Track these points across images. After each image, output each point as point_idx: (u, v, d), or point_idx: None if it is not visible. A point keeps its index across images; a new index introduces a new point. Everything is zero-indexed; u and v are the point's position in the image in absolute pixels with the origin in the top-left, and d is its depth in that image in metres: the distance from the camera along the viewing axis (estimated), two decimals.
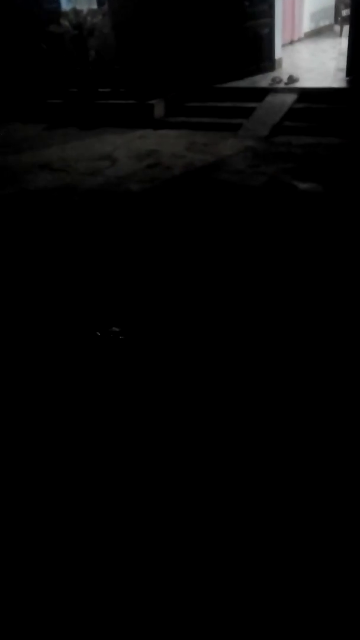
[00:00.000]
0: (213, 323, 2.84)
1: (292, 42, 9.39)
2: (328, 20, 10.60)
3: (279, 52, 7.62)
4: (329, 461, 1.97)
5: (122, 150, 6.23)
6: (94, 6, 7.94)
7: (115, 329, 2.85)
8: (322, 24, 10.52)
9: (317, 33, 10.28)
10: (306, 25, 10.03)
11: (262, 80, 7.10)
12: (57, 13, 8.05)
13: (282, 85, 6.74)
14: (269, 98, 6.55)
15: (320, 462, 1.97)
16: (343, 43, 7.38)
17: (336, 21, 10.08)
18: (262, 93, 6.70)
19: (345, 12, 8.24)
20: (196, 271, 3.39)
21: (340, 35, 9.08)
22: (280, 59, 7.68)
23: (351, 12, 6.38)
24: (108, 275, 3.46)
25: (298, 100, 6.37)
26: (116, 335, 2.80)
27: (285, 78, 6.81)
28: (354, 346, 2.54)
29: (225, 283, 3.22)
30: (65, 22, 7.80)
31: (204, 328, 2.80)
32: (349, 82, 6.44)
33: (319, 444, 2.03)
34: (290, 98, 6.41)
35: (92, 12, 7.81)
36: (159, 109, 7.10)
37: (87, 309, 3.10)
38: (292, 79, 6.73)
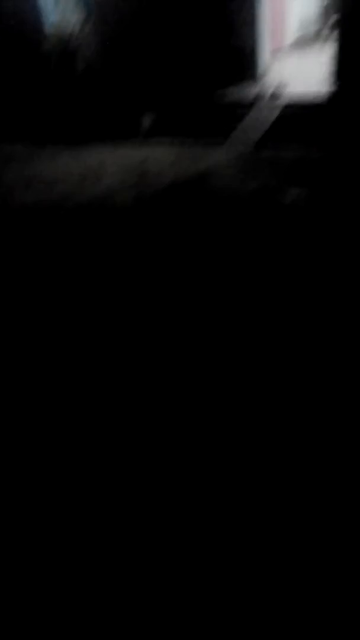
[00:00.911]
0: (202, 334, 2.80)
1: (277, 53, 9.46)
2: (314, 28, 10.69)
3: (265, 62, 7.67)
4: (328, 461, 1.94)
5: (110, 164, 6.23)
6: (80, 22, 8.00)
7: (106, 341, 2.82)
8: (307, 33, 10.60)
9: (302, 42, 10.37)
10: (292, 35, 10.11)
11: (249, 92, 7.13)
12: (43, 31, 8.12)
13: (268, 95, 6.77)
14: (255, 109, 6.58)
15: (320, 462, 1.93)
16: (328, 52, 7.44)
17: (321, 32, 10.18)
18: (248, 105, 6.73)
19: (331, 21, 8.31)
20: (186, 280, 3.36)
21: (325, 45, 9.15)
22: (266, 70, 7.73)
23: (337, 21, 6.42)
24: (97, 288, 3.43)
25: (284, 110, 6.40)
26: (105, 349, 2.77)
27: (271, 89, 6.84)
28: (337, 354, 2.51)
29: (215, 292, 3.19)
30: (51, 40, 7.86)
31: (193, 338, 2.77)
32: (335, 91, 6.47)
33: (317, 445, 1.99)
34: (276, 108, 6.43)
35: (78, 29, 7.87)
36: (146, 123, 7.13)
37: (77, 322, 3.07)
38: (278, 89, 6.76)
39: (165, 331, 2.92)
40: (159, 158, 6.19)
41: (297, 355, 2.58)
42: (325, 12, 10.01)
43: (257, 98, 6.79)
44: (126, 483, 2.01)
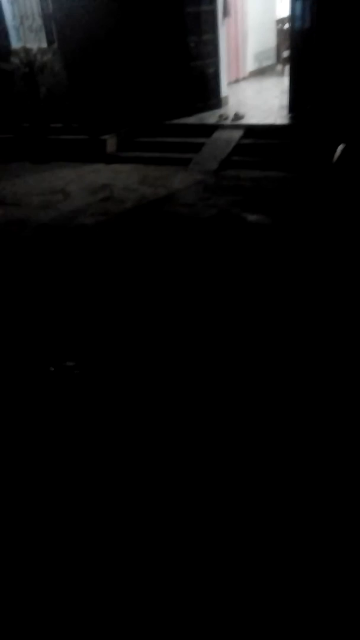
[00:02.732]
0: (165, 346, 2.88)
1: (237, 81, 9.85)
2: (270, 60, 11.20)
3: (225, 90, 7.98)
4: (328, 461, 2.03)
5: (75, 184, 6.30)
6: (44, 45, 8.11)
7: (69, 363, 2.85)
8: (265, 63, 11.09)
9: (261, 72, 10.82)
10: (250, 65, 10.55)
11: (210, 117, 7.39)
12: (7, 51, 8.17)
13: (229, 121, 7.04)
14: (217, 134, 6.82)
15: (319, 462, 2.03)
16: (285, 82, 7.80)
17: (278, 61, 10.67)
18: (210, 129, 6.97)
19: (286, 53, 8.73)
20: (147, 299, 3.44)
21: (282, 74, 9.60)
22: (227, 97, 8.04)
23: (290, 53, 6.78)
24: (60, 308, 3.46)
25: (244, 136, 6.66)
26: (70, 369, 2.80)
27: (231, 115, 7.12)
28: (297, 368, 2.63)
29: (176, 310, 3.28)
30: (15, 60, 7.92)
31: (157, 350, 2.84)
32: (291, 118, 6.79)
33: (315, 447, 2.08)
34: (237, 134, 6.69)
35: (42, 51, 7.97)
36: (111, 144, 7.25)
37: (40, 343, 3.08)
38: (238, 116, 7.04)
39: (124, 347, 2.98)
40: (123, 179, 6.30)
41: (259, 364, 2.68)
42: (279, 47, 10.52)
43: (218, 123, 7.04)
44: (126, 482, 2.04)
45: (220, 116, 7.21)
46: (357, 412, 2.32)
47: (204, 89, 7.65)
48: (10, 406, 2.60)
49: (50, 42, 8.07)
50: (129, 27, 7.33)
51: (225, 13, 7.68)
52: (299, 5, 6.17)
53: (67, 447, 2.28)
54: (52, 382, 2.72)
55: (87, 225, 4.97)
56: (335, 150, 5.37)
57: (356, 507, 1.87)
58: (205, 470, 2.08)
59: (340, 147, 5.34)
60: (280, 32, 10.47)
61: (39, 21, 8.09)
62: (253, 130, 6.71)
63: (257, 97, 8.52)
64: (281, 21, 10.36)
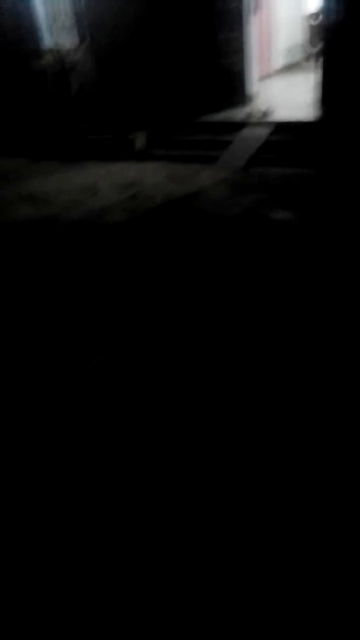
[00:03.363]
0: (195, 347, 2.93)
1: (266, 77, 9.78)
2: (300, 55, 11.09)
3: (253, 87, 7.95)
4: (328, 461, 2.05)
5: (104, 182, 6.40)
6: (76, 43, 8.23)
7: (97, 358, 2.93)
8: (294, 59, 10.99)
9: (290, 68, 10.74)
10: (279, 61, 10.47)
11: (238, 114, 7.38)
12: (40, 50, 8.33)
13: (257, 118, 7.02)
14: (245, 131, 6.82)
15: (319, 462, 2.05)
16: (314, 78, 7.73)
17: (307, 57, 10.56)
18: (238, 126, 6.97)
19: (316, 49, 8.64)
20: (176, 296, 3.50)
21: (312, 70, 9.50)
22: (255, 93, 8.01)
23: (321, 48, 6.72)
24: (90, 305, 3.55)
25: (273, 133, 6.64)
26: (99, 364, 2.88)
27: (260, 111, 7.10)
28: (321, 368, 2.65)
29: (204, 308, 3.33)
30: (47, 59, 8.07)
31: (186, 352, 2.89)
32: (321, 115, 6.73)
33: (315, 447, 2.11)
34: (265, 131, 6.68)
35: (73, 49, 8.10)
36: (140, 142, 7.33)
37: (72, 339, 3.17)
38: (266, 113, 7.02)
39: (154, 343, 3.04)
40: (151, 177, 6.37)
41: (283, 362, 2.71)
42: (311, 41, 10.40)
43: (247, 120, 7.04)
44: (126, 481, 2.11)
45: (249, 113, 7.20)
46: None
47: (233, 85, 7.65)
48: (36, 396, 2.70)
49: (81, 40, 8.19)
50: (159, 24, 7.39)
51: (255, 9, 7.66)
52: None
53: (67, 446, 2.36)
54: (81, 375, 2.81)
55: (115, 222, 5.06)
56: None
57: (356, 506, 1.88)
58: (206, 467, 2.12)
59: None
60: (309, 27, 10.36)
61: (70, 19, 8.21)
62: (282, 127, 6.68)
63: (286, 93, 8.47)
64: (310, 16, 10.24)
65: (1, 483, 2.17)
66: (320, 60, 6.71)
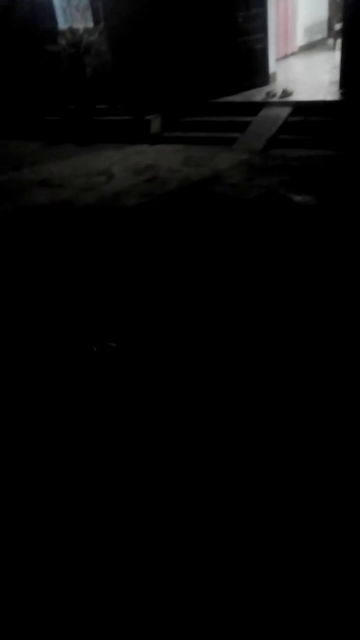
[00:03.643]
0: (210, 331, 2.86)
1: (286, 56, 9.52)
2: (321, 34, 10.75)
3: (273, 66, 7.72)
4: (328, 461, 1.98)
5: (119, 165, 6.30)
6: (90, 25, 8.07)
7: (112, 344, 2.88)
8: (315, 38, 10.66)
9: (310, 47, 10.42)
10: (300, 40, 10.17)
11: (257, 95, 7.19)
12: (54, 32, 8.20)
13: (276, 99, 6.82)
14: (264, 112, 6.63)
15: (319, 462, 1.98)
16: (336, 56, 7.47)
17: (329, 35, 10.23)
18: (256, 107, 6.78)
19: (338, 26, 8.35)
20: (193, 280, 3.42)
21: (334, 48, 9.20)
22: (275, 73, 7.78)
23: (343, 26, 6.47)
24: (106, 288, 3.49)
25: (292, 114, 6.45)
26: (114, 349, 2.83)
27: (279, 92, 6.89)
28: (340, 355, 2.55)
29: (222, 292, 3.24)
30: (62, 41, 7.94)
31: (201, 336, 2.82)
32: (342, 94, 6.51)
33: (316, 446, 2.04)
34: (284, 111, 6.48)
35: (88, 31, 7.94)
36: (155, 125, 7.20)
37: (87, 321, 3.12)
38: (286, 93, 6.81)
39: (166, 326, 2.97)
40: (167, 160, 6.25)
41: (295, 351, 2.62)
42: (331, 20, 10.07)
43: (266, 100, 6.84)
44: (126, 480, 2.06)
45: (268, 93, 7.00)
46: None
47: (251, 65, 7.43)
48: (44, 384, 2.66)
49: (96, 22, 8.03)
50: (175, 3, 7.19)
51: None
52: None
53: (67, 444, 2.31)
54: (93, 361, 2.76)
55: (131, 206, 4.97)
56: None
57: (356, 506, 1.81)
58: (207, 465, 2.06)
59: None
60: (332, 4, 10.01)
61: (85, 1, 8.05)
62: (302, 108, 6.48)
63: (306, 73, 8.22)
64: None
65: (1, 479, 2.14)
66: (341, 40, 6.47)
